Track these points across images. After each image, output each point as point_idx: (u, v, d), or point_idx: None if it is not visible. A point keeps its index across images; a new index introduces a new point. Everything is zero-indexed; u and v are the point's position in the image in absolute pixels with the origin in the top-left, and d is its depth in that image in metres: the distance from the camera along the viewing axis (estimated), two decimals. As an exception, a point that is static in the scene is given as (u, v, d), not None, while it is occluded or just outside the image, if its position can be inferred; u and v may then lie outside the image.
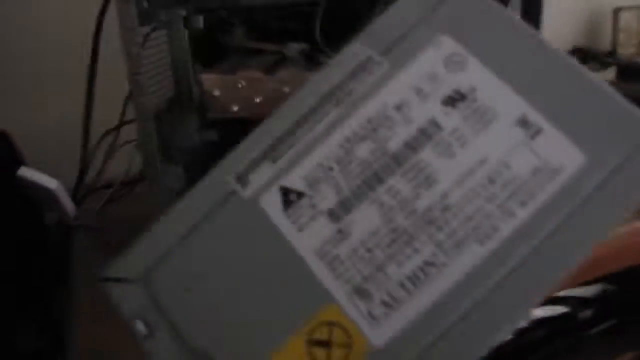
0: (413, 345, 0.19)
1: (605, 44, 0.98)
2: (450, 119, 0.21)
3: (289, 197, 0.21)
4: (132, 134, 0.46)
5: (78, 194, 0.55)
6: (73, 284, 0.45)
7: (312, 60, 0.44)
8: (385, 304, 0.19)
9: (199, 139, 0.45)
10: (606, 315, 0.48)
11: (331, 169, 0.21)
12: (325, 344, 0.19)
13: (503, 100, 0.20)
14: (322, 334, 0.20)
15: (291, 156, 0.22)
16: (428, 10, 0.22)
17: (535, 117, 0.20)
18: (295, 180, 0.22)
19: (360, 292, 0.20)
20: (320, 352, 0.19)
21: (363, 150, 0.21)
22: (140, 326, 0.21)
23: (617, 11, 0.95)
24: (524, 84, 0.20)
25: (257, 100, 0.41)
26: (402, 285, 0.19)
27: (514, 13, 0.21)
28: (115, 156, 0.53)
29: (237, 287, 0.21)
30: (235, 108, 0.41)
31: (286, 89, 0.40)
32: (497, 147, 0.20)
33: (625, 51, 0.97)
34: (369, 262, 0.20)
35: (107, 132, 0.53)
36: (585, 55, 0.95)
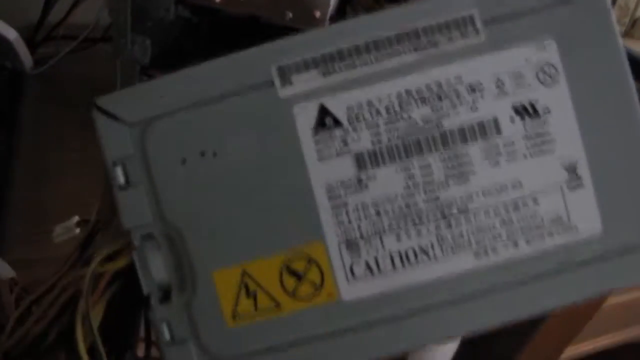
0: (371, 314, 0.20)
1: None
2: (512, 129, 0.20)
3: (324, 120, 0.20)
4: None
5: (37, 37, 0.48)
6: (19, 133, 0.43)
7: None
8: (368, 267, 0.20)
9: (174, 13, 0.40)
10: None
11: (379, 113, 0.20)
12: (298, 276, 0.20)
13: (567, 138, 0.20)
14: (299, 266, 0.20)
15: (345, 77, 0.20)
16: (553, 3, 0.20)
17: (584, 171, 0.20)
18: (338, 105, 0.20)
19: (351, 247, 0.20)
20: (290, 280, 0.20)
21: (418, 113, 0.20)
22: (119, 173, 0.20)
23: (621, -15, 0.94)
24: (593, 135, 0.20)
25: (243, -4, 0.36)
26: (391, 259, 0.20)
27: (627, 63, 0.20)
28: (82, 6, 0.46)
29: (236, 182, 0.20)
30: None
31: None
32: (537, 180, 0.20)
33: (615, 29, 0.99)
34: (372, 223, 0.20)
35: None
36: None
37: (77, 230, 0.26)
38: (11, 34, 0.44)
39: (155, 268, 0.20)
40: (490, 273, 0.20)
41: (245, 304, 0.20)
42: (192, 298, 0.20)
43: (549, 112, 0.20)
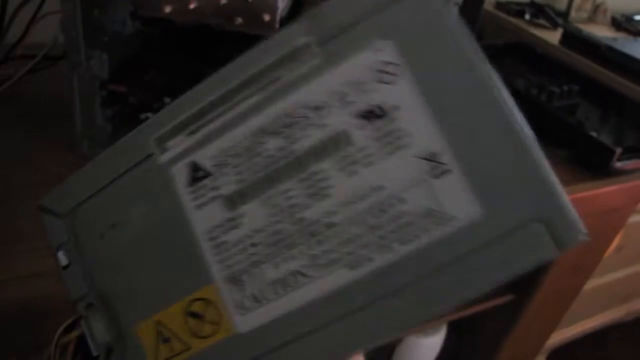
0: (268, 342, 0.20)
1: (563, 4, 0.94)
2: (363, 135, 0.20)
3: (196, 174, 0.22)
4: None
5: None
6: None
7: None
8: (255, 298, 0.21)
9: (131, 26, 0.42)
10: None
11: (239, 155, 0.21)
12: (200, 317, 0.21)
13: (421, 129, 0.19)
14: (198, 308, 0.22)
15: (207, 132, 0.22)
16: (380, 6, 0.20)
17: (447, 156, 0.19)
18: (205, 158, 0.22)
19: (235, 281, 0.21)
20: (194, 322, 0.22)
21: (272, 145, 0.21)
22: (61, 257, 0.24)
23: (580, -28, 0.89)
24: (449, 119, 0.19)
25: (191, 6, 0.38)
26: (273, 286, 0.21)
27: (472, 38, 0.19)
28: (40, 25, 0.49)
29: (140, 246, 0.23)
30: (168, 9, 0.39)
31: (223, 0, 0.37)
32: (398, 178, 0.19)
33: (578, 15, 0.94)
34: (250, 256, 0.21)
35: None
36: (538, 11, 0.93)
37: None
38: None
39: (98, 331, 0.23)
40: (370, 282, 0.19)
41: (164, 350, 0.22)
42: (125, 352, 0.23)
43: (397, 109, 0.20)
